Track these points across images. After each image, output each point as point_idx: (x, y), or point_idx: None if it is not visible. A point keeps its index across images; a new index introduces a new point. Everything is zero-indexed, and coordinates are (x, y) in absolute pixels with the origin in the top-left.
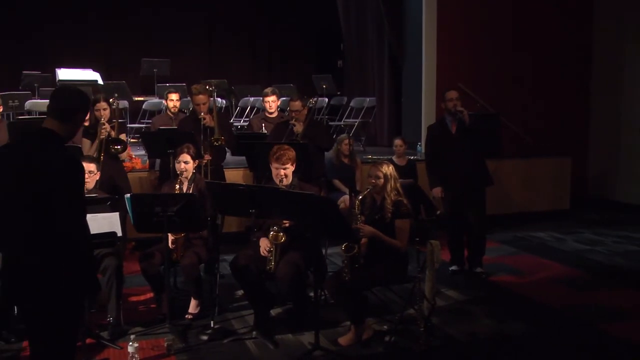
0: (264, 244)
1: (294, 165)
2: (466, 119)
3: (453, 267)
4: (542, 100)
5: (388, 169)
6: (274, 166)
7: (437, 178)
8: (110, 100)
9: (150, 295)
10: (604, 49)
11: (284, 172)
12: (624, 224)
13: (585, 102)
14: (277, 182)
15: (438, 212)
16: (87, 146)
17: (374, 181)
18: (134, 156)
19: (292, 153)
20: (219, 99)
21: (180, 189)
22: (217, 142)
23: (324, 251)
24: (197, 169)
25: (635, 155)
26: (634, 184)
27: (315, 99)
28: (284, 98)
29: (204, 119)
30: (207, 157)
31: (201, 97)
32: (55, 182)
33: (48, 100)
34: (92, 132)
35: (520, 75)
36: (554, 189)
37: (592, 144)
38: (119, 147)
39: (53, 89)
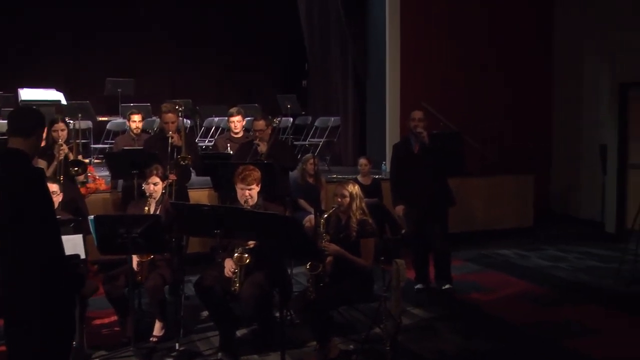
0: (229, 265)
1: (259, 185)
2: (425, 139)
3: (418, 286)
4: (505, 118)
5: (354, 189)
6: (239, 187)
7: (399, 196)
8: (69, 120)
9: (114, 318)
10: (565, 67)
11: (249, 193)
12: (585, 240)
13: (547, 120)
14: (242, 202)
15: (403, 230)
16: (44, 167)
17: (339, 200)
18: (97, 177)
19: (257, 174)
20: (184, 119)
21: (148, 211)
22: (183, 162)
23: (289, 271)
24: (163, 190)
25: (593, 173)
26: (592, 201)
27: (280, 118)
28: (249, 118)
29: (172, 137)
30: (172, 177)
31: (170, 116)
32: (27, 202)
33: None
34: (48, 154)
35: (483, 94)
36: (517, 206)
37: (555, 161)
38: (78, 168)
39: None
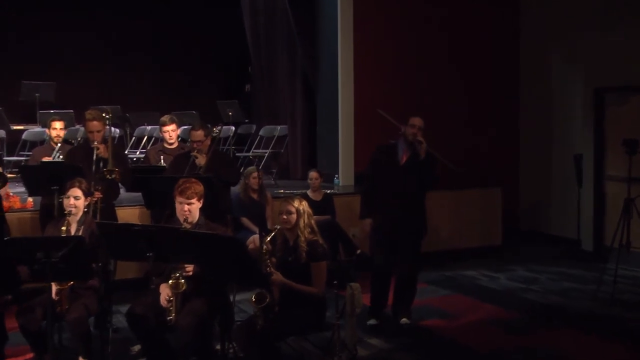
0: (164, 292)
1: (201, 201)
2: (422, 152)
3: (371, 321)
4: (470, 128)
5: (301, 205)
6: (178, 200)
7: (370, 209)
8: None
9: (29, 355)
10: (532, 70)
11: (189, 208)
12: (558, 258)
13: (514, 129)
14: (181, 219)
15: (358, 251)
16: None
17: (285, 218)
18: (11, 194)
19: (199, 187)
20: (112, 128)
21: (68, 230)
22: (110, 175)
23: (231, 298)
24: (87, 208)
25: (566, 185)
26: (566, 216)
27: (220, 127)
28: (185, 127)
29: (98, 148)
30: (98, 194)
31: (95, 124)
32: None
33: None
34: None
35: (446, 102)
36: (484, 222)
37: (524, 173)
38: None
39: None
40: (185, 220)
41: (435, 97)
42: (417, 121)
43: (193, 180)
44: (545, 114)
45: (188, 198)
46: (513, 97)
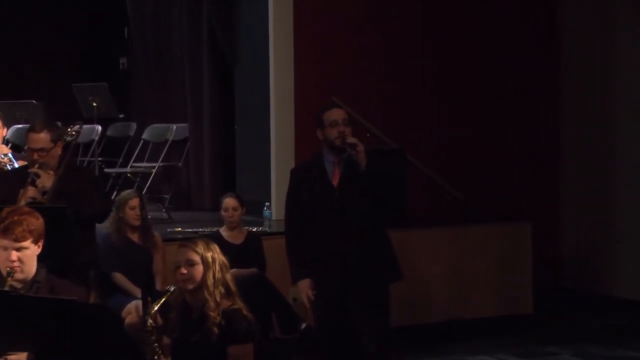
0: None
1: (40, 244)
2: (362, 160)
3: None
4: (476, 128)
5: (210, 251)
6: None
7: (303, 264)
8: None
9: None
10: (578, 44)
11: (18, 256)
12: (626, 335)
13: (553, 136)
14: (4, 273)
15: (303, 324)
16: None
17: (184, 272)
18: None
19: (36, 222)
20: None
21: None
22: None
23: None
24: None
25: (638, 220)
26: (638, 268)
27: (78, 126)
28: (19, 125)
29: None
30: None
31: None
32: None
33: None
34: None
35: (438, 89)
36: (506, 277)
37: (568, 201)
38: None
39: None
40: (11, 275)
41: (422, 83)
42: (337, 114)
43: (26, 210)
44: (603, 116)
45: (16, 240)
46: (550, 82)
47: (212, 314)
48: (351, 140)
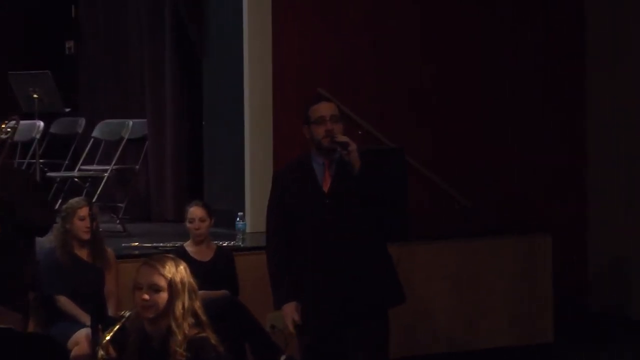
0: None
1: None
2: (354, 160)
3: None
4: (484, 127)
5: (179, 275)
6: None
7: (288, 285)
8: None
9: None
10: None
11: None
12: None
13: (578, 130)
14: None
15: (283, 356)
16: None
17: (146, 299)
18: None
19: None
20: None
21: None
22: None
23: None
24: None
25: None
26: None
27: (14, 122)
28: None
29: None
30: None
31: None
32: None
33: None
34: None
35: (441, 81)
36: (521, 299)
37: (595, 211)
38: None
39: None
40: None
41: (422, 76)
42: (325, 109)
43: None
44: (637, 117)
45: None
46: (577, 71)
47: (178, 349)
48: (341, 138)
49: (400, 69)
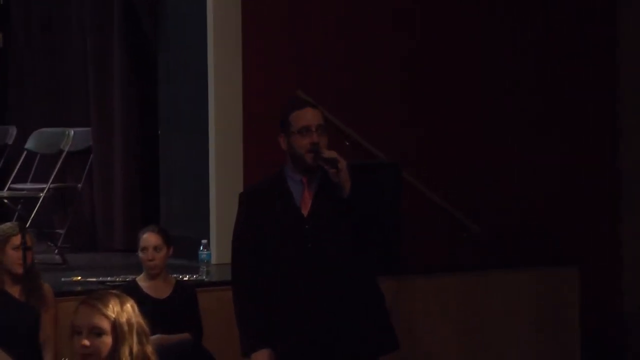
0: None
1: None
2: (344, 181)
3: None
4: (496, 134)
5: (126, 315)
6: None
7: (260, 328)
8: None
9: None
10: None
11: None
12: None
13: (610, 144)
14: None
15: None
16: None
17: (86, 345)
18: None
19: None
20: None
21: None
22: None
23: None
24: None
25: None
26: None
27: None
28: None
29: None
30: None
31: None
32: None
33: None
34: None
35: (441, 84)
36: (542, 345)
37: (631, 238)
38: None
39: None
40: None
41: (420, 78)
42: (310, 117)
43: None
44: None
45: None
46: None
47: None
48: (329, 154)
49: (395, 70)
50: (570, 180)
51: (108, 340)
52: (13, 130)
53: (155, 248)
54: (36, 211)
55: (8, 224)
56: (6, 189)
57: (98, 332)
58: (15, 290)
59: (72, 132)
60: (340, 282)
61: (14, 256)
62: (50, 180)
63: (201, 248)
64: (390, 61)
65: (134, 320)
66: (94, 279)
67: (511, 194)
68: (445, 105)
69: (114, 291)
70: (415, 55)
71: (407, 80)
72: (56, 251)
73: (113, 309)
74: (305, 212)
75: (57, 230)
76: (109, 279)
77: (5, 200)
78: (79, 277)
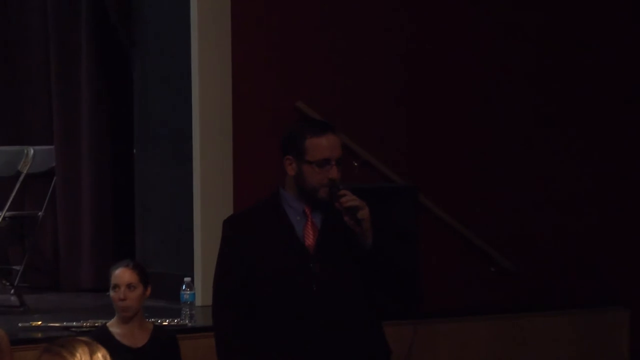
0: None
1: None
2: (366, 231)
3: None
4: (528, 154)
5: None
6: None
7: None
8: None
9: None
10: None
11: None
12: None
13: None
14: None
15: None
16: None
17: None
18: None
19: None
20: None
21: None
22: None
23: None
24: None
25: None
26: None
27: None
28: None
29: None
30: None
31: None
32: None
33: None
34: None
35: (464, 94)
36: None
37: None
38: None
39: None
40: None
41: (433, 88)
42: (332, 147)
43: None
44: None
45: None
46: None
47: None
48: (351, 201)
49: (397, 71)
50: (618, 211)
51: None
52: None
53: (129, 286)
54: None
55: None
56: None
57: None
58: None
59: (32, 151)
60: (346, 338)
61: None
62: (6, 208)
63: (184, 287)
64: (394, 65)
65: None
66: (57, 324)
67: (550, 226)
68: (464, 119)
69: (84, 338)
70: (424, 62)
71: (412, 84)
72: (12, 291)
73: (81, 357)
74: (309, 246)
75: (14, 267)
76: (74, 324)
77: None
78: (40, 322)
